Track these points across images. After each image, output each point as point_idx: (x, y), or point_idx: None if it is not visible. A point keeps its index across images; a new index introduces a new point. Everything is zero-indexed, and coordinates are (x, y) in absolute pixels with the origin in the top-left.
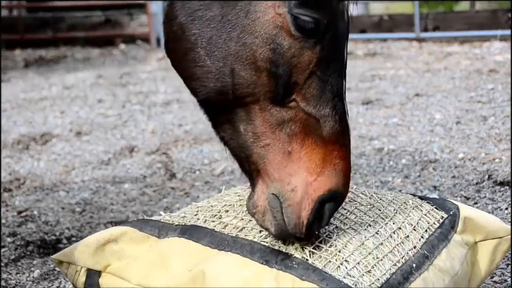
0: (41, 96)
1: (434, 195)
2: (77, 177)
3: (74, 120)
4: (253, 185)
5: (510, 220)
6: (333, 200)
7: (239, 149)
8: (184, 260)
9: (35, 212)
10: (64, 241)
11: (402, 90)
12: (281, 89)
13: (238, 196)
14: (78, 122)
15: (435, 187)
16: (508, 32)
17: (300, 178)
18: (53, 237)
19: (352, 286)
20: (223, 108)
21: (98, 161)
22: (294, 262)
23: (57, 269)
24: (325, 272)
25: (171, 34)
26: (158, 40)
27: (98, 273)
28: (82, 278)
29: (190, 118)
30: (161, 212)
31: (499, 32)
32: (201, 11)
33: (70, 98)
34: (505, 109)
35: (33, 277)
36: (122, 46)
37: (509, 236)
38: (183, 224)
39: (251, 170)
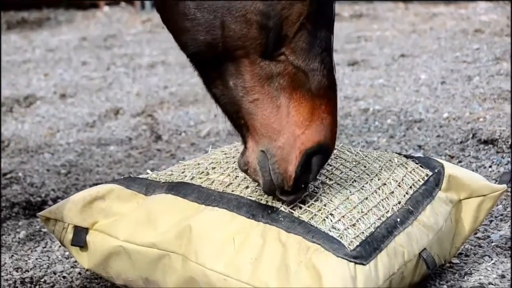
0: (24, 58)
1: (419, 154)
2: (62, 139)
3: (58, 83)
4: (244, 142)
5: (493, 178)
6: (320, 153)
7: (230, 105)
8: (171, 216)
9: (20, 174)
10: (50, 202)
11: (388, 51)
12: (271, 42)
13: (225, 154)
14: (62, 85)
15: (420, 147)
16: None
17: (287, 133)
18: (39, 199)
19: (338, 238)
20: (213, 63)
21: (83, 123)
22: (280, 216)
23: (43, 230)
24: (311, 225)
25: None
26: (142, 3)
27: (85, 230)
28: (69, 235)
29: (176, 80)
30: (148, 171)
31: None
32: None
33: (54, 61)
34: (490, 69)
35: (18, 238)
36: (106, 8)
37: (493, 194)
38: (170, 181)
39: (242, 126)
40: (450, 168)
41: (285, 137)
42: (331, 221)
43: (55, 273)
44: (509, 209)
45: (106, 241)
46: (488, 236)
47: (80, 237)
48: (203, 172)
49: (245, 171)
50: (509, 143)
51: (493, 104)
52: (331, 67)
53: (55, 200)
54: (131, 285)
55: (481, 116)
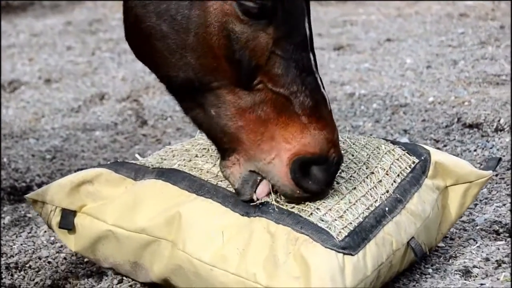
0: (9, 43)
1: (405, 139)
2: (47, 125)
3: (43, 68)
4: (224, 155)
5: (478, 161)
6: (320, 163)
7: (212, 130)
8: (161, 202)
9: (5, 160)
10: (35, 188)
11: (374, 36)
12: (244, 74)
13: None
14: (47, 70)
15: (405, 131)
16: None
17: (277, 150)
18: (24, 184)
19: (326, 229)
20: (192, 95)
21: (68, 108)
22: (270, 208)
23: (28, 215)
24: (300, 216)
25: (129, 25)
26: None
27: (73, 213)
28: (57, 218)
29: None
30: (137, 155)
31: None
32: (153, 4)
33: (38, 46)
34: (475, 53)
35: (3, 223)
36: None
37: (479, 180)
38: (160, 167)
39: (227, 149)
40: (437, 155)
41: (275, 154)
42: (318, 214)
43: (40, 258)
44: (493, 192)
45: (94, 224)
46: (473, 220)
47: (68, 219)
48: (191, 160)
49: (222, 172)
50: (494, 127)
51: (478, 88)
52: (316, 86)
53: (40, 185)
54: (118, 269)
55: (466, 100)
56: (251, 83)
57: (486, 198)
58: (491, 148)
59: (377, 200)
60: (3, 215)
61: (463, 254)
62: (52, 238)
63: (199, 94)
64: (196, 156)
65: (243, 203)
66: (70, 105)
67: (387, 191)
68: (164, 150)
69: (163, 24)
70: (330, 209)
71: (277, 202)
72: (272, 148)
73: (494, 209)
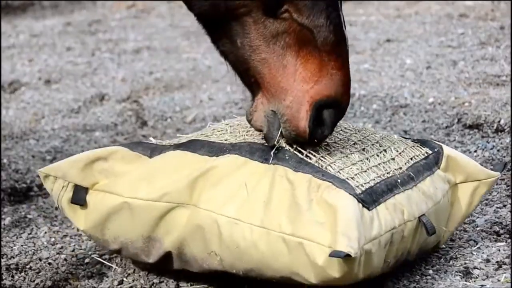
0: (8, 44)
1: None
2: (47, 125)
3: (42, 68)
4: (253, 96)
5: (479, 162)
6: (332, 107)
7: (238, 63)
8: (181, 169)
9: (5, 161)
10: (35, 188)
11: (373, 36)
12: (271, 0)
13: (227, 125)
14: (47, 70)
15: (405, 132)
16: None
17: (295, 90)
18: (24, 185)
19: (346, 180)
20: (219, 22)
21: (68, 109)
22: (286, 155)
23: (28, 216)
24: (319, 166)
25: None
26: None
27: (85, 190)
28: (68, 194)
29: (161, 66)
30: (151, 138)
31: None
32: None
33: (38, 46)
34: (475, 53)
35: (4, 224)
36: None
37: (488, 180)
38: (177, 142)
39: (251, 83)
40: (448, 150)
41: (293, 95)
42: (332, 170)
43: (40, 260)
44: (494, 193)
45: (107, 199)
46: (473, 221)
47: (80, 195)
48: (210, 136)
49: (249, 121)
50: (494, 127)
51: (478, 88)
52: (339, 22)
53: (40, 186)
54: (127, 248)
55: (466, 100)
56: (277, 11)
57: (487, 199)
58: (491, 149)
59: (389, 172)
60: (3, 216)
61: (463, 255)
62: (53, 239)
63: (226, 21)
64: (213, 134)
65: (259, 149)
66: (70, 105)
67: (400, 168)
68: (178, 137)
69: None
70: (342, 169)
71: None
72: (291, 88)
73: (494, 210)
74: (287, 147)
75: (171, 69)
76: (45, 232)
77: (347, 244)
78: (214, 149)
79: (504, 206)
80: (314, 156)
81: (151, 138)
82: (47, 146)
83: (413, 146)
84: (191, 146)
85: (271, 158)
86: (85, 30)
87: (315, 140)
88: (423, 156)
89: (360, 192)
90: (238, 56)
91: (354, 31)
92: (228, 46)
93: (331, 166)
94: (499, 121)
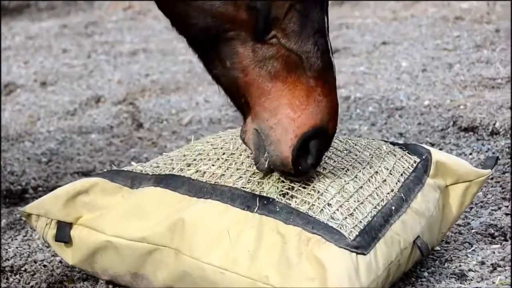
0: (4, 46)
1: (401, 142)
2: (42, 128)
3: (38, 70)
4: (244, 117)
5: (474, 165)
6: (318, 137)
7: (229, 84)
8: (162, 209)
9: (0, 163)
10: (30, 191)
11: (369, 39)
12: (261, 25)
13: (211, 145)
14: (43, 72)
15: (401, 134)
16: None
17: (280, 114)
18: (19, 187)
19: (338, 228)
20: (209, 45)
21: (64, 111)
22: (277, 207)
23: (23, 218)
24: (309, 216)
25: None
26: None
27: (69, 225)
28: (52, 231)
29: (157, 68)
30: (132, 163)
31: None
32: None
33: (34, 48)
34: (471, 56)
35: None
36: None
37: (479, 179)
38: (157, 173)
39: (242, 105)
40: (437, 154)
41: (278, 118)
42: (329, 211)
43: (35, 262)
44: (489, 196)
45: (92, 236)
46: (468, 223)
47: (64, 232)
48: (191, 164)
49: (243, 140)
50: (489, 130)
51: (473, 91)
52: (326, 49)
53: (35, 189)
54: (117, 280)
55: (462, 103)
56: (265, 36)
57: (482, 202)
58: (486, 151)
59: (383, 199)
60: None
61: (458, 257)
62: None
63: (215, 45)
64: (195, 160)
65: (240, 196)
66: (65, 108)
67: (392, 190)
68: (161, 157)
69: None
70: (341, 206)
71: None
72: (277, 110)
73: (489, 212)
74: (278, 198)
75: (167, 71)
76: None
77: None
78: (194, 187)
79: (499, 208)
80: (308, 198)
81: (132, 163)
82: (42, 148)
83: (402, 157)
84: (172, 183)
85: (256, 208)
86: (81, 32)
87: (300, 170)
88: (412, 169)
89: (357, 234)
90: (229, 77)
91: (350, 33)
92: (219, 69)
93: (329, 204)
94: (494, 124)
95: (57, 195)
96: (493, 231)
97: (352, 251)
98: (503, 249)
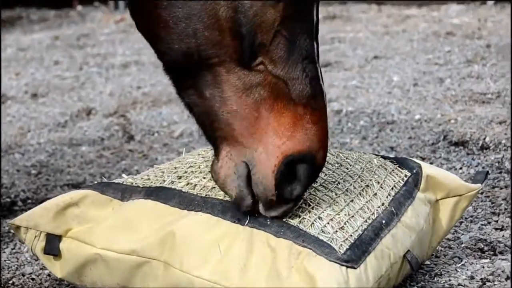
0: None
1: (391, 156)
2: (33, 139)
3: (29, 82)
4: (217, 152)
5: (464, 179)
6: (305, 162)
7: (205, 115)
8: (152, 222)
9: None
10: (20, 203)
11: (361, 53)
12: (247, 51)
13: (202, 157)
14: (34, 84)
15: (392, 148)
16: None
17: (267, 143)
18: (8, 200)
19: (328, 242)
20: (189, 71)
21: (54, 123)
22: (267, 220)
23: (12, 231)
24: (300, 229)
25: None
26: (116, 2)
27: (59, 238)
28: (41, 243)
29: (149, 80)
30: (123, 175)
31: None
32: None
33: (25, 60)
34: (461, 71)
35: None
36: (79, 7)
37: (469, 194)
38: (148, 186)
39: (216, 137)
40: (427, 168)
41: (264, 147)
42: (320, 224)
43: (23, 275)
44: (479, 210)
45: (81, 248)
46: (458, 238)
47: (53, 245)
48: (182, 177)
49: (216, 180)
50: (480, 145)
51: (464, 106)
52: (316, 75)
53: (24, 201)
54: None
55: (452, 118)
56: (252, 63)
57: (471, 216)
58: (476, 166)
59: (374, 213)
60: None
61: (448, 272)
62: None
63: (197, 71)
64: (186, 172)
65: (231, 208)
66: (56, 119)
67: (383, 204)
68: (152, 169)
69: None
70: (331, 219)
71: None
72: (262, 140)
73: (479, 227)
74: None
75: (159, 83)
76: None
77: None
78: (185, 200)
79: (489, 223)
80: (299, 211)
81: (123, 175)
82: (32, 160)
83: (393, 171)
84: (162, 195)
85: (247, 221)
86: (73, 44)
87: (284, 197)
88: (402, 183)
89: (348, 247)
90: (205, 107)
91: (342, 48)
92: (195, 98)
93: (320, 218)
94: (484, 139)
95: (46, 207)
96: (482, 246)
97: (343, 265)
98: (492, 263)
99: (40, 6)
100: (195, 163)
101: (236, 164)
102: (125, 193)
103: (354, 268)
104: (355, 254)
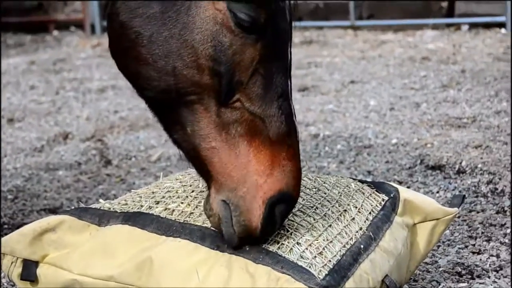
0: None
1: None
2: (9, 164)
3: (6, 107)
4: (208, 187)
5: (441, 203)
6: (284, 202)
7: (191, 151)
8: (130, 247)
9: None
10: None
11: (338, 77)
12: (224, 89)
13: (180, 182)
14: (10, 109)
15: (369, 172)
16: (440, 20)
17: (248, 182)
18: None
19: (307, 268)
20: (169, 109)
21: (31, 148)
22: (246, 246)
23: None
24: (279, 255)
25: (113, 33)
26: (92, 27)
27: (36, 264)
28: (18, 269)
29: (126, 105)
30: (100, 200)
31: (431, 21)
32: (142, 8)
33: (1, 85)
34: (437, 96)
35: None
36: (56, 32)
37: (446, 217)
38: (125, 211)
39: (204, 172)
40: (405, 193)
41: (246, 187)
42: (299, 249)
43: None
44: (456, 234)
45: (58, 274)
46: (436, 261)
47: (30, 270)
48: (159, 202)
49: (209, 217)
50: (456, 169)
51: (440, 130)
52: (290, 113)
53: (1, 226)
54: None
55: (429, 142)
56: (229, 100)
57: (449, 240)
58: (453, 190)
59: (352, 238)
60: None
61: None
62: None
63: (176, 108)
64: (164, 197)
65: (211, 235)
66: (33, 144)
67: (361, 229)
68: (129, 194)
69: (151, 29)
70: (310, 245)
71: None
72: (243, 179)
73: (456, 250)
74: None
75: (136, 108)
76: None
77: None
78: (163, 225)
79: (466, 247)
80: (278, 237)
81: (100, 200)
82: (9, 185)
83: (370, 195)
84: (140, 221)
85: (229, 247)
86: (50, 69)
87: (265, 236)
88: (380, 207)
89: (327, 273)
90: (189, 144)
91: (319, 72)
92: (181, 134)
93: (298, 243)
94: (460, 163)
95: (23, 233)
96: (460, 270)
97: None
98: (470, 287)
99: (16, 31)
100: (173, 187)
101: (218, 205)
102: (102, 218)
103: None
104: (334, 280)
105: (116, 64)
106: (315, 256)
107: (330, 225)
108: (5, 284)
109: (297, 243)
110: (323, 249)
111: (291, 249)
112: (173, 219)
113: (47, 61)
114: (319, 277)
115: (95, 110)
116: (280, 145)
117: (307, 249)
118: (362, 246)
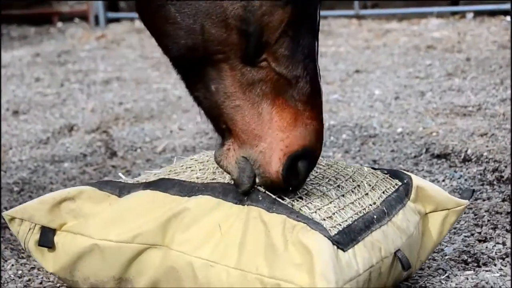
0: None
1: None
2: (14, 157)
3: (11, 99)
4: (222, 142)
5: (447, 191)
6: (306, 157)
7: (212, 109)
8: (152, 210)
9: None
10: (2, 220)
11: (343, 67)
12: (252, 48)
13: (195, 160)
14: (15, 101)
15: (374, 161)
16: (445, 9)
17: (269, 138)
18: None
19: (319, 221)
20: (195, 67)
21: (36, 140)
22: (259, 196)
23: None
24: (292, 206)
25: None
26: (96, 18)
27: (53, 231)
28: (35, 236)
29: (131, 96)
30: (120, 174)
31: (436, 9)
32: None
33: (6, 77)
34: (442, 84)
35: None
36: (60, 24)
37: (457, 208)
38: (146, 181)
39: (224, 130)
40: (417, 180)
41: (267, 142)
42: (308, 211)
43: None
44: (462, 222)
45: (77, 241)
46: (442, 250)
47: (47, 237)
48: (180, 173)
49: (218, 163)
50: (462, 157)
51: (445, 119)
52: (315, 74)
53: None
54: None
55: (434, 130)
56: (255, 60)
57: (455, 228)
58: (459, 178)
59: (365, 208)
60: None
61: (432, 284)
62: (20, 272)
63: (202, 67)
64: (183, 171)
65: (233, 190)
66: (38, 136)
67: (374, 203)
68: (149, 172)
69: None
70: (319, 209)
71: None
72: (265, 135)
73: (462, 239)
74: (260, 188)
75: (141, 99)
76: (12, 265)
77: (326, 286)
78: (185, 188)
79: (472, 235)
80: (287, 202)
81: (120, 174)
82: (14, 178)
83: (384, 179)
84: (162, 185)
85: (246, 200)
86: (54, 61)
87: (290, 188)
88: (393, 189)
89: (336, 232)
90: (212, 102)
91: (324, 62)
92: (203, 92)
93: (307, 207)
94: (466, 151)
95: (42, 200)
96: (466, 258)
97: (334, 244)
98: (476, 275)
99: (21, 23)
100: (191, 164)
101: (237, 159)
102: (123, 189)
103: (343, 250)
104: (344, 239)
105: (142, 21)
106: (324, 219)
107: (343, 195)
108: (12, 276)
109: (306, 206)
110: (333, 214)
111: (300, 209)
112: (195, 181)
113: (51, 53)
114: (330, 232)
115: (100, 102)
116: (304, 105)
117: (315, 212)
118: (375, 217)
